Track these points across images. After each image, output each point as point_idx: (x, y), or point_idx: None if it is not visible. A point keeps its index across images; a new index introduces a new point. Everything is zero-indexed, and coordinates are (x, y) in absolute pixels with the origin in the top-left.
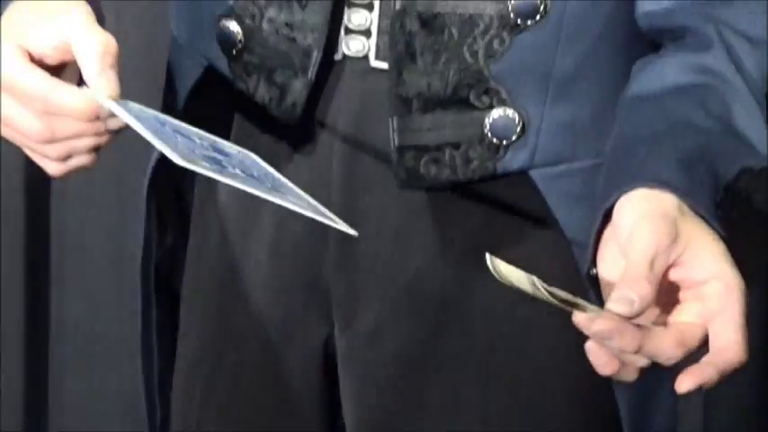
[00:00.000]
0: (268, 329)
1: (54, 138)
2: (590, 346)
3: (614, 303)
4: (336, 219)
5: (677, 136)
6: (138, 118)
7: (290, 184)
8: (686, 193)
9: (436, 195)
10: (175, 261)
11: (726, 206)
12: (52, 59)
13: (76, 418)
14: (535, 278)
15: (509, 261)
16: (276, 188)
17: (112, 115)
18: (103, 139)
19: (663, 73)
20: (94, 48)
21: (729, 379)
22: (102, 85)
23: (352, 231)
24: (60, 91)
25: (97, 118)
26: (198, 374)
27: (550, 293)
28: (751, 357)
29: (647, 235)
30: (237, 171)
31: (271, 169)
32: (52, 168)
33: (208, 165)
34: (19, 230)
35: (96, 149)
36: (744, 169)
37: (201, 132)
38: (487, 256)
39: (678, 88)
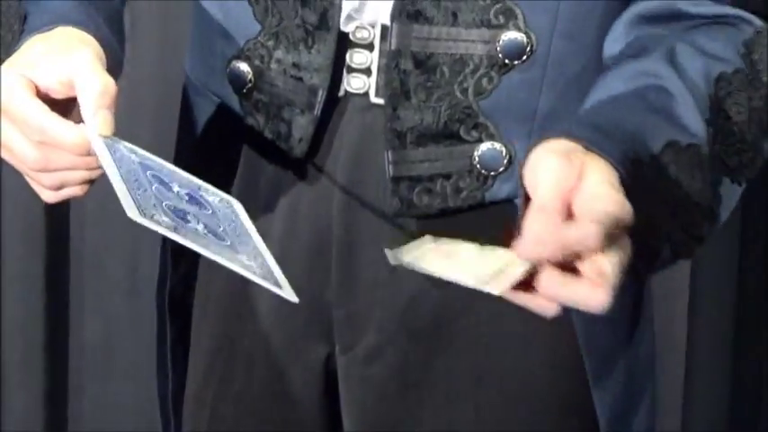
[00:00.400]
0: (273, 349)
1: (48, 167)
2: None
3: (522, 249)
4: (284, 283)
5: (597, 110)
6: (120, 160)
7: (257, 242)
8: (591, 142)
9: (428, 222)
10: (189, 285)
11: (650, 175)
12: (58, 94)
13: (95, 431)
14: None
15: None
16: (233, 246)
17: None
18: (95, 174)
19: (609, 86)
20: (94, 88)
21: (707, 381)
22: (96, 124)
23: (293, 298)
24: (56, 124)
25: (89, 153)
26: (207, 390)
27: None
28: (726, 359)
29: (550, 167)
30: (199, 226)
31: (246, 223)
32: (46, 195)
33: (166, 220)
34: (40, 254)
35: (88, 182)
36: (670, 142)
37: (188, 178)
38: (387, 253)
39: (619, 97)
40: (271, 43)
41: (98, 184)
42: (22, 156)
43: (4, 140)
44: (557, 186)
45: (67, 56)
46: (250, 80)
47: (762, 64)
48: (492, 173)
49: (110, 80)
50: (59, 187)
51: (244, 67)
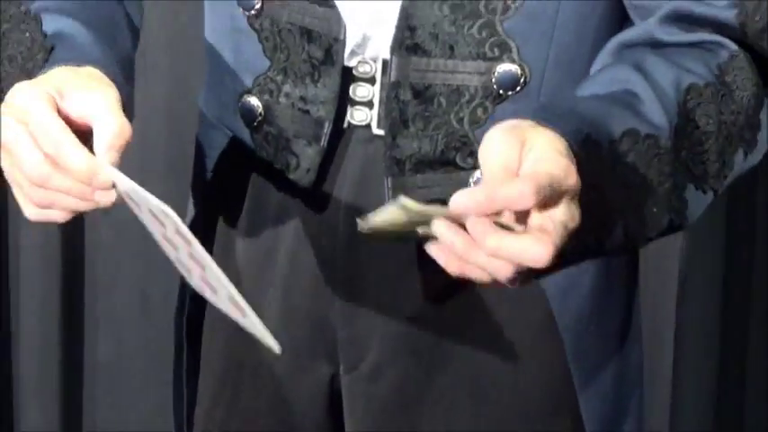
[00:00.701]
0: (280, 369)
1: (45, 184)
2: (433, 249)
3: (454, 200)
4: (269, 336)
5: (558, 101)
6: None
7: (232, 289)
8: (542, 119)
9: None
10: (204, 311)
11: (608, 158)
12: (73, 124)
13: None
14: (402, 199)
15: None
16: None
17: (102, 189)
18: (83, 206)
19: (579, 92)
20: (111, 128)
21: (696, 382)
22: (106, 158)
23: (276, 348)
24: (71, 144)
25: (90, 184)
26: (217, 409)
27: (420, 210)
28: (715, 362)
29: (495, 137)
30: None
31: (227, 283)
32: (29, 211)
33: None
34: (56, 277)
35: (73, 212)
36: (630, 130)
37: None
38: (359, 223)
39: (585, 96)
40: (279, 78)
41: (113, 211)
42: (28, 165)
43: (13, 146)
44: (500, 155)
45: (90, 94)
46: (260, 114)
47: (735, 85)
48: None
49: (127, 123)
50: (46, 206)
51: (254, 101)
